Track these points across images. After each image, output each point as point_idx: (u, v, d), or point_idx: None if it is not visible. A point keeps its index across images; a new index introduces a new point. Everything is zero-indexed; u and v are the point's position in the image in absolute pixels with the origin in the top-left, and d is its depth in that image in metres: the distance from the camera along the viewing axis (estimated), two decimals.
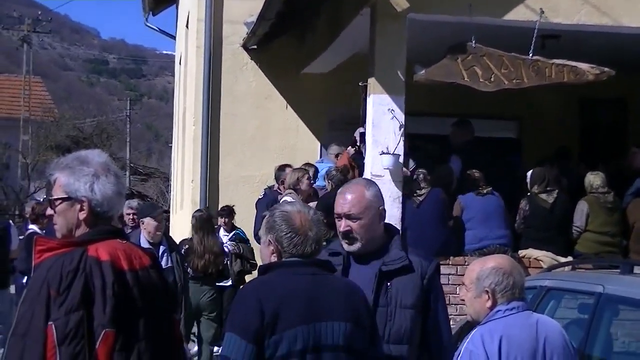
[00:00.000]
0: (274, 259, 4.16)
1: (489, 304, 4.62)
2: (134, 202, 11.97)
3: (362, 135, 11.66)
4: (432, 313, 4.73)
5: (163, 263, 9.07)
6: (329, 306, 4.05)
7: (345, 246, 4.76)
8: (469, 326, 5.21)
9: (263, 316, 3.91)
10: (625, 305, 6.11)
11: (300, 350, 3.95)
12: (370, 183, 5.00)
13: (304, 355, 3.96)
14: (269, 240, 4.15)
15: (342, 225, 4.75)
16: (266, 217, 4.24)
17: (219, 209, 13.48)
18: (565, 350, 4.65)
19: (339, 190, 4.90)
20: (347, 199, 4.76)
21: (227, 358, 3.93)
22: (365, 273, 4.59)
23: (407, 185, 10.54)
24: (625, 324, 7.14)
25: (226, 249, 12.55)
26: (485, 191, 10.70)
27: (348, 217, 4.73)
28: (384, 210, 4.78)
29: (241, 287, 4.12)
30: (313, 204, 9.59)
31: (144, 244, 9.01)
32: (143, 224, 9.47)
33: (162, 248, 9.33)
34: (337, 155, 12.60)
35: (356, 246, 4.73)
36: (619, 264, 6.39)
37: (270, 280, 4.08)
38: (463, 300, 4.87)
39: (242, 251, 12.84)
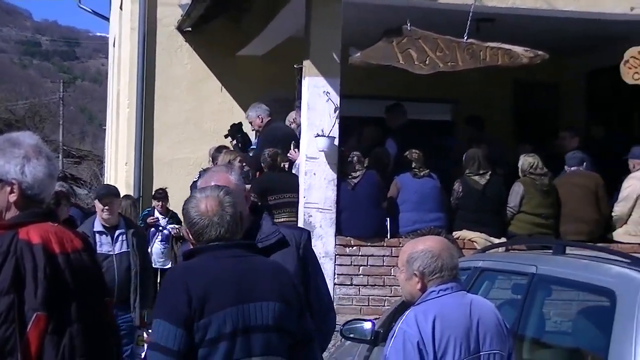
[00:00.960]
0: (191, 245, 4.21)
1: (419, 286, 4.64)
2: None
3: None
4: (312, 280, 4.86)
5: (117, 248, 8.81)
6: (257, 287, 4.06)
7: None
8: (403, 307, 5.23)
9: (191, 300, 3.90)
10: (558, 285, 6.18)
11: (229, 332, 3.95)
12: (231, 168, 5.05)
13: (234, 337, 3.96)
14: (185, 228, 4.24)
15: None
16: (183, 204, 4.27)
17: (154, 191, 13.41)
18: (499, 330, 4.70)
19: (202, 178, 4.91)
20: None
21: (157, 344, 3.91)
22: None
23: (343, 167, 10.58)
24: (558, 303, 7.23)
25: (167, 232, 12.49)
26: (422, 173, 10.73)
27: None
28: (249, 192, 4.79)
29: (166, 273, 4.15)
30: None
31: (97, 227, 8.78)
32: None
33: (117, 232, 9.01)
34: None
35: None
36: (551, 245, 6.44)
37: (195, 265, 4.08)
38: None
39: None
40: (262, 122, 11.85)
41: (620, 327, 4.93)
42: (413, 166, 10.75)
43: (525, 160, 10.97)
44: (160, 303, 4.03)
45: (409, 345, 4.48)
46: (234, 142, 12.66)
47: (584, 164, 11.11)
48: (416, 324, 4.50)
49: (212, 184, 4.65)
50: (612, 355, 4.90)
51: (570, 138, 12.22)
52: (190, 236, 4.18)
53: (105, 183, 20.14)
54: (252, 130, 12.36)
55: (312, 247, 4.95)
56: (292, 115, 11.91)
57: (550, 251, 6.26)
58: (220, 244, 4.11)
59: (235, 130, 12.68)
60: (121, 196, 10.30)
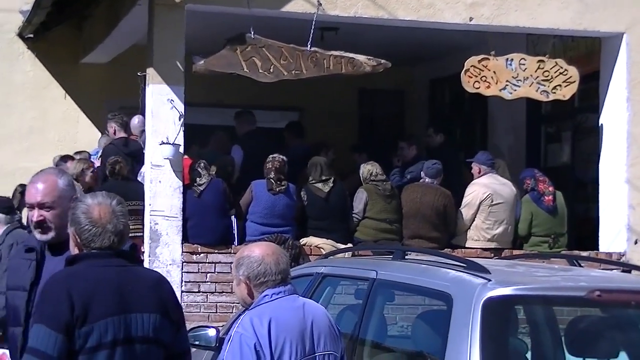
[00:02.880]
0: (76, 251, 4.16)
1: (246, 291, 4.70)
2: None
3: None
4: None
5: None
6: (139, 297, 4.07)
7: (38, 236, 4.75)
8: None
9: (73, 307, 3.88)
10: (397, 290, 6.29)
11: (110, 341, 3.95)
12: (62, 172, 5.04)
13: (115, 346, 3.96)
14: (72, 233, 4.16)
15: (35, 214, 4.73)
16: (71, 209, 4.23)
17: None
18: (331, 331, 4.81)
19: (29, 180, 4.86)
20: (38, 189, 4.76)
21: (35, 349, 3.88)
22: (61, 262, 4.54)
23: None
24: (404, 308, 7.35)
25: None
26: (278, 189, 10.68)
27: (41, 206, 4.71)
28: (77, 198, 4.76)
29: (48, 279, 4.10)
30: None
31: None
32: None
33: None
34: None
35: (50, 235, 4.73)
36: (392, 250, 6.54)
37: (78, 272, 4.05)
38: None
39: None
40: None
41: (456, 330, 5.05)
42: (271, 176, 10.70)
43: (365, 168, 11.11)
44: (41, 308, 3.99)
45: (245, 348, 4.52)
46: None
47: (441, 176, 11.25)
48: (252, 327, 4.54)
49: (38, 184, 4.61)
50: (448, 358, 5.01)
51: (408, 147, 12.47)
52: (78, 242, 4.13)
53: None
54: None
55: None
56: (135, 120, 11.83)
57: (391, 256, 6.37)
58: (105, 252, 4.10)
59: None
60: None
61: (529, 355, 6.25)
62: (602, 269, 7.98)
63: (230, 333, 4.64)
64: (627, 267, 6.82)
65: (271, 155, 10.84)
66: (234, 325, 4.69)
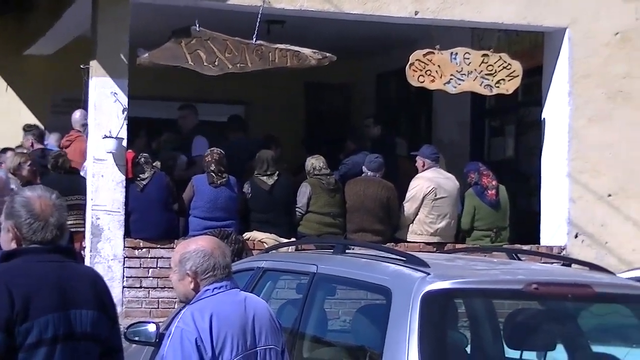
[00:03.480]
0: (13, 245, 4.05)
1: (192, 285, 4.66)
2: None
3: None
4: None
5: None
6: (78, 293, 4.02)
7: None
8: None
9: (13, 303, 3.81)
10: (338, 284, 6.30)
11: (50, 338, 3.89)
12: None
13: (55, 343, 3.90)
14: (9, 227, 4.05)
15: None
16: (6, 202, 4.12)
17: None
18: (272, 325, 4.79)
19: None
20: None
21: None
22: None
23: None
24: (347, 302, 7.36)
25: None
26: (219, 182, 10.64)
27: None
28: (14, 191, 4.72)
29: None
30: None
31: None
32: None
33: None
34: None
35: None
36: (334, 244, 6.55)
37: (16, 267, 3.97)
38: None
39: None
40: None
41: (395, 324, 5.06)
42: (212, 168, 10.66)
43: (309, 162, 11.10)
44: None
45: (186, 342, 4.48)
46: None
47: (383, 170, 11.27)
48: (193, 321, 4.51)
49: None
50: (387, 352, 5.03)
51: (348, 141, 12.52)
52: (18, 235, 4.03)
53: None
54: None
55: None
56: (76, 114, 11.75)
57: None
58: (44, 247, 4.02)
59: None
60: None
61: (468, 348, 6.30)
62: (544, 263, 8.05)
63: (170, 328, 4.62)
64: (567, 261, 6.87)
65: (209, 149, 10.82)
66: (174, 320, 4.66)
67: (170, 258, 10.01)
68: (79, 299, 4.02)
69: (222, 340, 4.55)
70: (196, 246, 4.72)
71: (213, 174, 10.59)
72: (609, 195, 11.28)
